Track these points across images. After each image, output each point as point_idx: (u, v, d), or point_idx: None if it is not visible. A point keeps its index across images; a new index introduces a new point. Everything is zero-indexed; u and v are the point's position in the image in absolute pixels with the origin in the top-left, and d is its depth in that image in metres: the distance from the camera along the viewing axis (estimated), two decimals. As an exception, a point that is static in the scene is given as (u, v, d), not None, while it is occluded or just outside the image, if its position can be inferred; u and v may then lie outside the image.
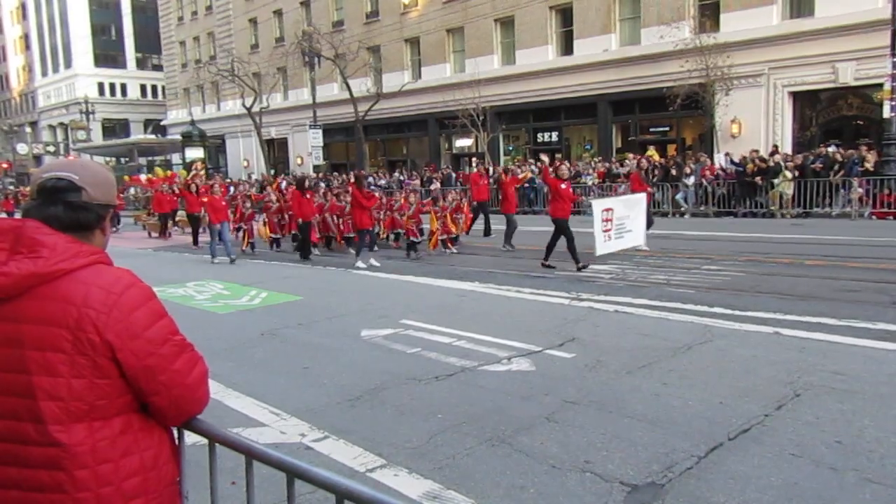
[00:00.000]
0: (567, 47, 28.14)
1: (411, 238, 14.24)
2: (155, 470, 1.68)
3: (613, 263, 11.27)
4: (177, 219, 23.50)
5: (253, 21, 43.28)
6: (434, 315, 8.00)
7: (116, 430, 1.62)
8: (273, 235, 16.77)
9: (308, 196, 14.60)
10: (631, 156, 23.56)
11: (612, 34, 26.45)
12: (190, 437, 1.88)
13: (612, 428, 4.39)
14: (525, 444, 4.19)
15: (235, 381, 5.64)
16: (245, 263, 14.10)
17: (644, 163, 15.36)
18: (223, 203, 14.93)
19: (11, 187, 42.87)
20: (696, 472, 3.75)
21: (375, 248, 14.37)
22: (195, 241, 18.11)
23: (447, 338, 6.85)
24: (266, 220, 17.04)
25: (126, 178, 36.31)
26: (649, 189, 14.10)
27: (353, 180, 15.38)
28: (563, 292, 9.18)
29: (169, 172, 30.34)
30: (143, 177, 29.36)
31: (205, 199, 15.19)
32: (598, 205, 11.41)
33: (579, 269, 10.69)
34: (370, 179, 24.62)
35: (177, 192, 22.31)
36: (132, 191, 33.07)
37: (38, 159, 62.11)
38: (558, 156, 25.95)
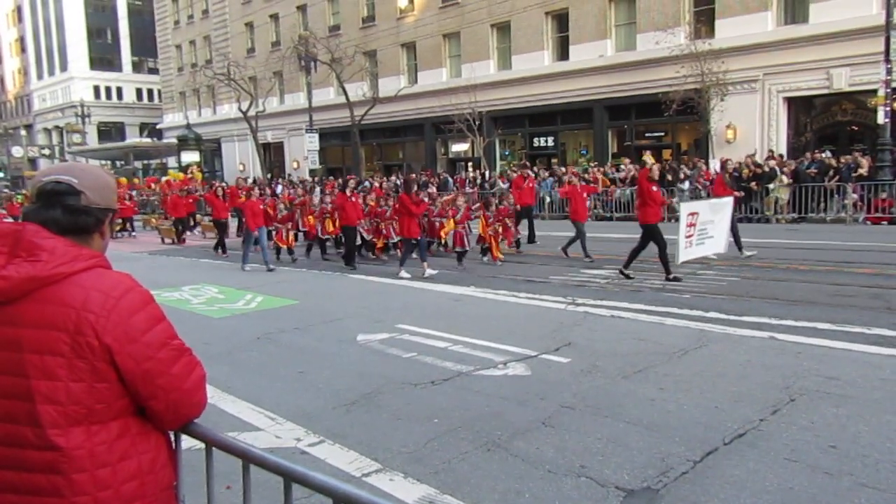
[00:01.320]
0: (563, 53, 28.22)
1: (457, 248, 13.00)
2: (152, 474, 1.68)
3: (609, 268, 11.28)
4: (197, 222, 23.09)
5: (249, 25, 43.29)
6: (430, 319, 8.00)
7: (114, 434, 1.62)
8: (307, 241, 15.67)
9: (354, 199, 13.65)
10: (628, 160, 23.62)
11: (607, 40, 26.52)
12: (187, 441, 1.88)
13: (607, 433, 4.39)
14: (521, 449, 4.19)
15: (231, 386, 5.63)
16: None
17: (729, 165, 13.49)
18: (261, 207, 14.11)
19: (6, 190, 42.69)
20: (692, 477, 3.75)
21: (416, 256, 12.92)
22: (223, 249, 16.60)
23: (443, 342, 6.85)
24: (285, 227, 15.18)
25: (136, 180, 35.98)
26: (737, 193, 12.91)
27: (402, 184, 14.06)
28: (559, 297, 9.19)
29: (182, 176, 29.89)
30: (161, 179, 28.94)
31: (241, 202, 14.30)
32: (685, 208, 10.54)
33: (670, 280, 9.95)
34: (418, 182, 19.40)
35: (193, 195, 22.04)
36: (133, 193, 32.75)
37: (33, 162, 61.98)
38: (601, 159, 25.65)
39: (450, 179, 27.20)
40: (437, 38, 32.50)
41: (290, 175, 37.21)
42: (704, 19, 24.20)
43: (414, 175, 21.91)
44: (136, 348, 1.59)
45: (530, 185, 16.17)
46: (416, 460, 4.08)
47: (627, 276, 10.38)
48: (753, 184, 18.98)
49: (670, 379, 5.45)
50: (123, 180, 34.14)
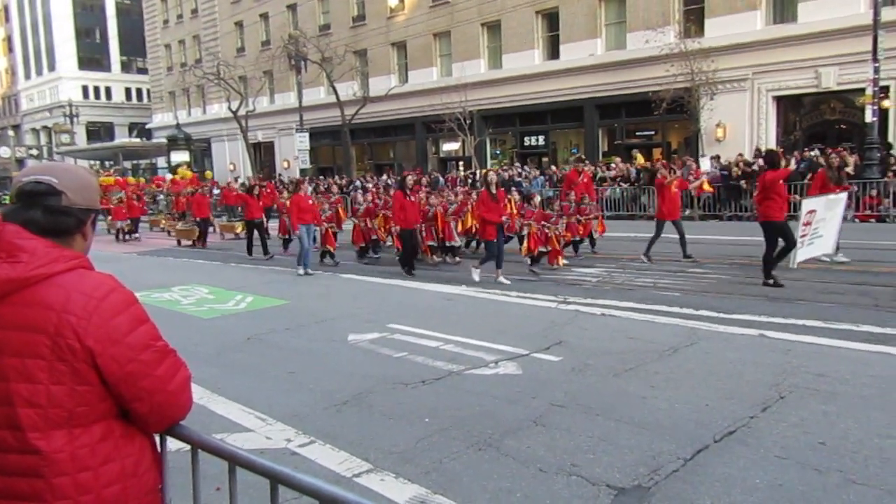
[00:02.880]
0: (553, 51, 28.26)
1: (538, 248, 11.71)
2: (136, 477, 1.66)
3: (601, 266, 11.30)
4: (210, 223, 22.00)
5: (239, 24, 43.12)
6: (421, 319, 7.99)
7: (97, 437, 1.59)
8: (361, 244, 14.37)
9: (413, 198, 12.39)
10: (618, 159, 23.66)
11: (598, 39, 26.57)
12: (176, 443, 1.86)
13: (598, 431, 4.39)
14: (512, 448, 4.18)
15: (221, 387, 5.59)
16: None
17: (834, 159, 11.66)
18: (310, 203, 12.97)
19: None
20: (682, 475, 3.76)
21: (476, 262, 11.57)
22: (250, 251, 15.42)
23: (434, 342, 6.84)
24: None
25: (142, 180, 35.21)
26: (850, 187, 11.28)
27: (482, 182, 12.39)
28: (551, 296, 9.19)
29: (189, 174, 29.08)
30: (167, 177, 28.06)
31: (284, 199, 13.64)
32: (806, 205, 9.62)
33: (771, 285, 9.07)
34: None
35: (205, 194, 21.29)
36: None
37: (21, 163, 61.37)
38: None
39: (440, 178, 27.18)
40: (428, 38, 32.48)
41: (280, 174, 37.12)
42: (694, 18, 24.29)
43: (495, 169, 20.12)
44: (118, 350, 1.57)
45: (585, 179, 14.75)
46: (407, 460, 4.06)
47: (778, 286, 9.08)
48: (743, 182, 19.09)
49: (661, 377, 5.46)
50: (131, 179, 32.96)
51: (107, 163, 45.97)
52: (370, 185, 25.67)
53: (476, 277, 10.66)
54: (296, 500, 3.25)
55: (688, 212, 20.36)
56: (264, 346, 7.12)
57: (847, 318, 7.16)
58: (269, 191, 20.37)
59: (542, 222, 11.87)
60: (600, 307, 8.31)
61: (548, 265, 11.82)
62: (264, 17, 41.05)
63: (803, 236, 9.40)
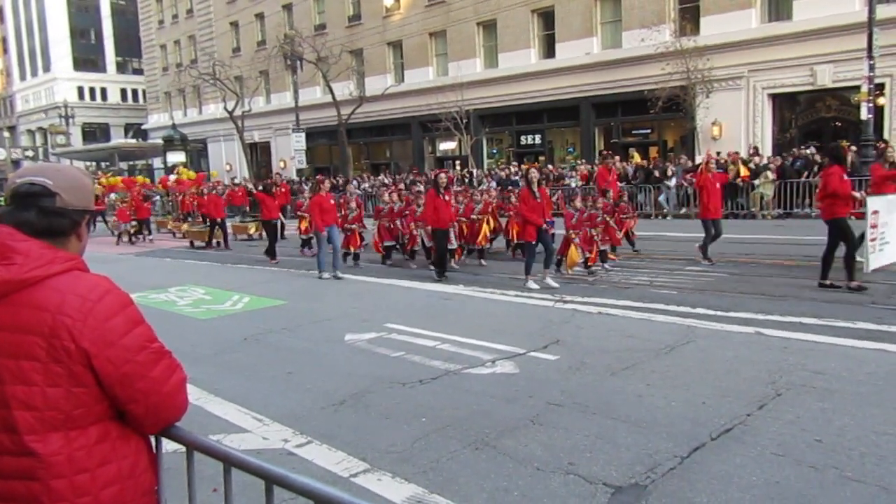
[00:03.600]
0: (549, 50, 28.27)
1: (588, 250, 10.89)
2: (132, 479, 1.66)
3: (596, 265, 11.29)
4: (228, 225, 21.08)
5: (234, 24, 43.05)
6: (418, 318, 7.99)
7: (93, 439, 1.59)
8: (386, 244, 13.61)
9: (447, 198, 11.56)
10: (616, 159, 23.66)
11: (593, 37, 26.60)
12: (171, 444, 1.86)
13: (595, 429, 4.39)
14: (509, 447, 4.18)
15: (218, 387, 5.59)
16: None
17: (892, 153, 10.15)
18: (332, 202, 12.33)
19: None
20: (679, 473, 3.76)
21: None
22: (273, 254, 14.77)
23: (431, 341, 6.84)
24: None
25: (145, 179, 34.53)
26: None
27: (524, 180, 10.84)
28: (547, 294, 9.20)
29: (193, 174, 28.44)
30: (171, 177, 27.22)
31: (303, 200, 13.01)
32: (871, 204, 8.76)
33: (853, 290, 8.42)
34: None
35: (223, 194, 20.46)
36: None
37: (16, 164, 61.22)
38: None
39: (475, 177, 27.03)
40: (424, 37, 32.46)
41: (276, 174, 37.03)
42: (689, 17, 24.31)
43: (536, 164, 19.43)
44: (114, 352, 1.57)
45: (615, 177, 14.18)
46: (405, 460, 4.06)
47: (834, 287, 8.61)
48: (739, 180, 19.11)
49: (658, 375, 5.47)
50: (139, 179, 31.16)
51: (103, 164, 45.84)
52: (388, 181, 25.07)
53: (534, 285, 9.69)
54: (292, 501, 3.26)
55: (685, 209, 20.42)
56: (261, 346, 7.11)
57: (843, 315, 7.17)
58: (283, 190, 19.71)
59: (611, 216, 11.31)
60: (597, 306, 8.31)
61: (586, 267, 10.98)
62: (260, 16, 40.99)
63: (873, 240, 8.69)
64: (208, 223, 19.01)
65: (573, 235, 10.77)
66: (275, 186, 16.97)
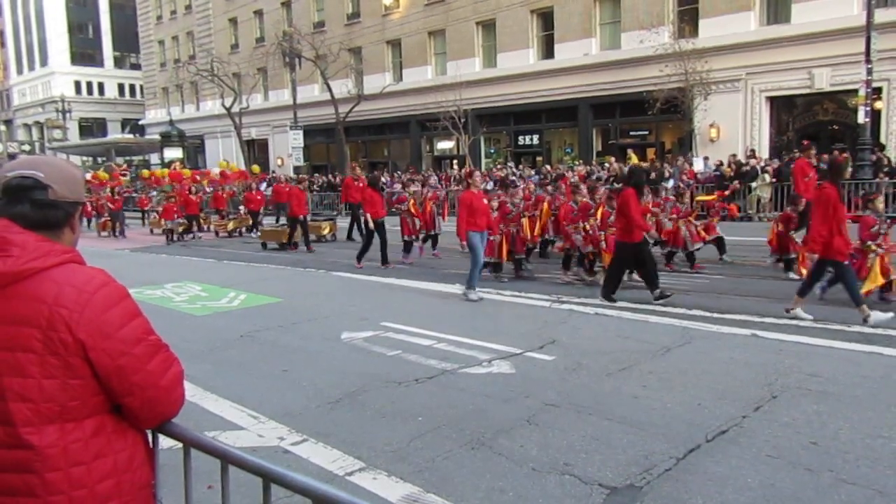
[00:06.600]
0: (548, 51, 28.27)
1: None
2: (129, 472, 1.65)
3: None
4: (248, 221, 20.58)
5: (233, 21, 42.97)
6: (415, 317, 7.98)
7: (89, 432, 1.59)
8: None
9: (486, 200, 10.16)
10: (612, 159, 23.71)
11: (592, 38, 26.61)
12: (168, 441, 1.85)
13: (591, 430, 4.40)
14: (505, 447, 4.18)
15: (213, 384, 5.57)
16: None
17: None
18: (484, 202, 10.23)
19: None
20: (675, 474, 3.76)
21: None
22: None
23: (428, 340, 6.83)
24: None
25: (148, 172, 33.57)
26: None
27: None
28: (545, 295, 9.20)
29: (235, 167, 27.68)
30: (214, 170, 26.50)
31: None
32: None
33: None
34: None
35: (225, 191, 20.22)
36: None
37: (12, 158, 61.04)
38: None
39: (434, 176, 27.15)
40: (423, 36, 32.44)
41: (273, 172, 37.00)
42: (688, 19, 24.34)
43: (641, 159, 18.64)
44: (110, 344, 1.56)
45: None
46: (400, 459, 4.06)
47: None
48: (737, 182, 19.13)
49: (654, 376, 5.47)
50: (186, 172, 28.76)
51: (99, 159, 45.74)
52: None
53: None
54: (288, 499, 3.25)
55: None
56: (257, 343, 7.10)
57: (839, 317, 7.19)
58: (361, 185, 16.42)
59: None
60: (594, 307, 8.32)
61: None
62: (258, 13, 40.92)
63: None
64: (285, 222, 17.21)
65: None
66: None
